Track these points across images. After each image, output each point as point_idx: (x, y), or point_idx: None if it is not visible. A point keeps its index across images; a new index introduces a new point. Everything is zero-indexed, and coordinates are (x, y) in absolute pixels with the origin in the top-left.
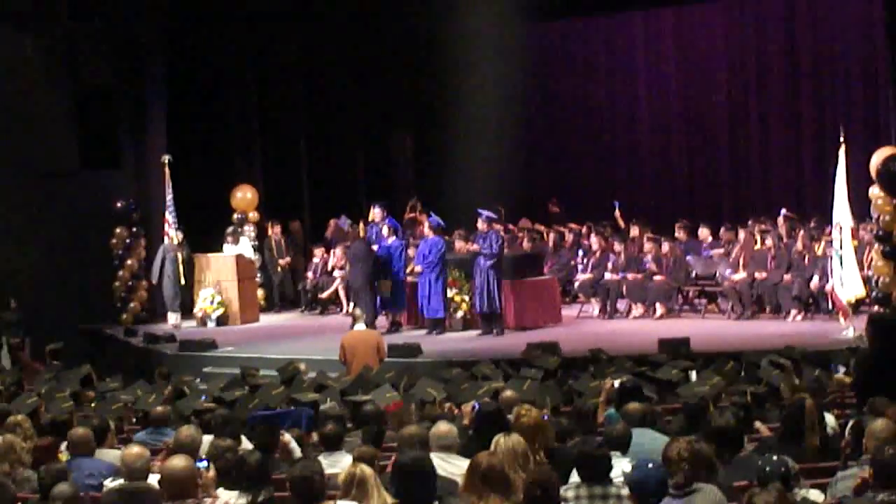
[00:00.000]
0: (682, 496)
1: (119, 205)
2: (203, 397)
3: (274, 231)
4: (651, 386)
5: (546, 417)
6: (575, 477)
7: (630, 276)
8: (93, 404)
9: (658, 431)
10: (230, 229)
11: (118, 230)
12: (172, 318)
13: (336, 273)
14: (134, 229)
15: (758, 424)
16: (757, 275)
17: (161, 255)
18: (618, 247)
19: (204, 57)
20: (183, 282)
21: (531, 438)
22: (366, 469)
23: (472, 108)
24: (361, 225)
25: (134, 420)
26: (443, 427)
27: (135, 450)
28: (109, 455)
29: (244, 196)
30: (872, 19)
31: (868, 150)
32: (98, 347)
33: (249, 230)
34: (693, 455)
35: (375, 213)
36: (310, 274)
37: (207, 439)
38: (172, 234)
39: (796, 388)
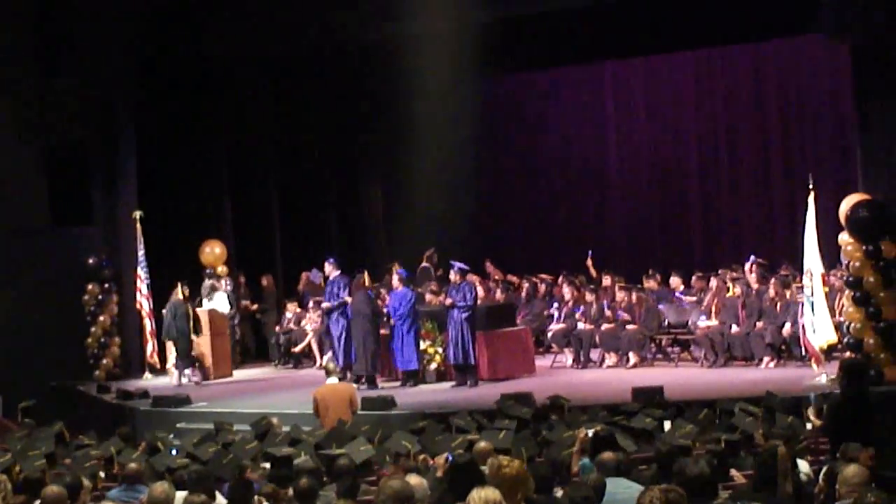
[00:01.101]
0: None
1: (91, 261)
2: (174, 452)
3: (239, 282)
4: (627, 435)
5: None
6: None
7: (603, 325)
8: (66, 460)
9: (632, 481)
10: (206, 284)
11: (90, 286)
12: (188, 373)
13: (308, 327)
14: (106, 285)
15: (733, 472)
16: (732, 328)
17: (172, 311)
18: (589, 296)
19: (174, 110)
20: (194, 336)
21: (514, 490)
22: None
23: (439, 158)
24: (366, 275)
25: (103, 475)
26: (414, 480)
27: None
28: None
29: (212, 251)
30: (839, 67)
31: (837, 197)
32: (71, 404)
33: (225, 284)
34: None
35: (328, 268)
36: (279, 327)
37: (181, 495)
38: (178, 289)
39: (769, 436)
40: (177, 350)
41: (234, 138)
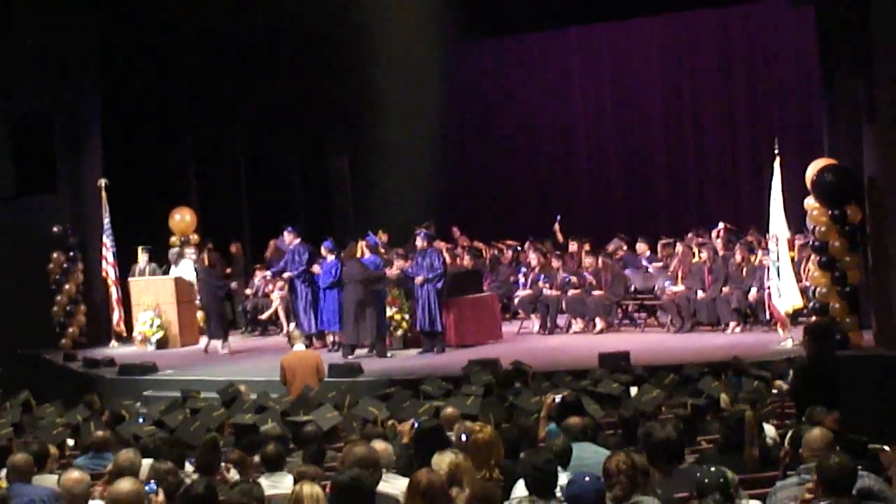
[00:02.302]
0: None
1: (56, 230)
2: (141, 419)
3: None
4: (593, 400)
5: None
6: (518, 491)
7: (570, 291)
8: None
9: (599, 445)
10: (172, 251)
11: (55, 255)
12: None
13: (275, 294)
14: (71, 254)
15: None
16: (698, 294)
17: (203, 279)
18: (556, 262)
19: (139, 79)
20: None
21: (485, 455)
22: (305, 488)
23: (405, 127)
24: (362, 245)
25: (72, 443)
26: (378, 446)
27: (74, 475)
28: (49, 481)
29: (182, 218)
30: (805, 32)
31: (803, 161)
32: (37, 373)
33: (191, 252)
34: (631, 468)
35: (288, 237)
36: (249, 291)
37: (147, 463)
38: (205, 255)
39: (736, 401)
40: (208, 319)
41: (199, 106)
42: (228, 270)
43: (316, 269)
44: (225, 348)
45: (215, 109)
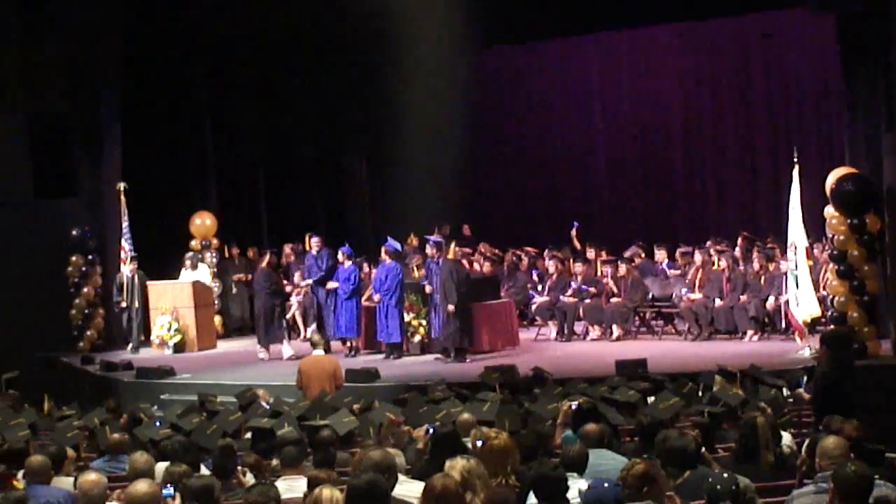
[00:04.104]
0: None
1: (75, 233)
2: (157, 423)
3: (232, 253)
4: (610, 407)
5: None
6: (532, 498)
7: (587, 298)
8: (47, 431)
9: (615, 452)
10: (189, 255)
11: (74, 258)
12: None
13: (293, 299)
14: (90, 257)
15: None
16: (716, 302)
17: (259, 282)
18: (578, 268)
19: (158, 83)
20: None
21: (502, 461)
22: (325, 492)
23: (423, 133)
24: (454, 246)
25: (84, 444)
26: (391, 451)
27: (91, 477)
28: (66, 483)
29: (203, 223)
30: (825, 41)
31: (822, 170)
32: (55, 376)
33: (210, 256)
34: (649, 475)
35: (314, 242)
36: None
37: (163, 466)
38: (266, 258)
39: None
40: (259, 324)
41: (219, 110)
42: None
43: (330, 285)
44: (262, 354)
45: (236, 113)
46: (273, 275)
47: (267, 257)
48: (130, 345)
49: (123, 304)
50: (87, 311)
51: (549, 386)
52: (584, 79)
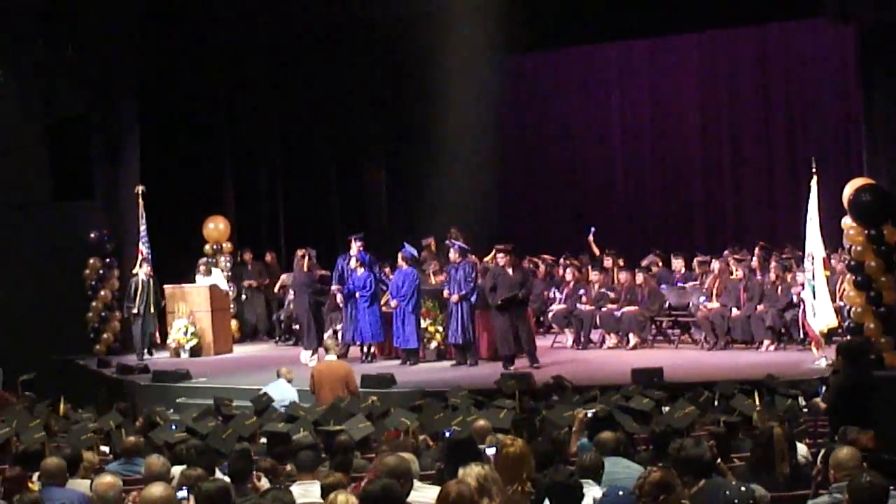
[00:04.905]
0: None
1: (92, 236)
2: (173, 427)
3: (245, 258)
4: (626, 416)
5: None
6: None
7: (604, 306)
8: (62, 434)
9: (630, 461)
10: (203, 260)
11: (91, 261)
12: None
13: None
14: (107, 260)
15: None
16: (733, 311)
17: (297, 285)
18: (594, 276)
19: (176, 86)
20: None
21: (517, 468)
22: (340, 498)
23: (443, 139)
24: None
25: (107, 450)
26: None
27: (107, 479)
28: (82, 486)
29: (216, 227)
30: (844, 52)
31: (840, 180)
32: (71, 378)
33: (224, 261)
34: (666, 483)
35: (356, 245)
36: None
37: (178, 469)
38: (305, 260)
39: (768, 418)
40: (311, 327)
41: (237, 114)
42: (264, 282)
43: (339, 297)
44: (313, 360)
45: (253, 117)
46: (314, 275)
47: (306, 259)
48: (139, 351)
49: (135, 311)
50: (103, 313)
51: (567, 394)
52: (604, 87)
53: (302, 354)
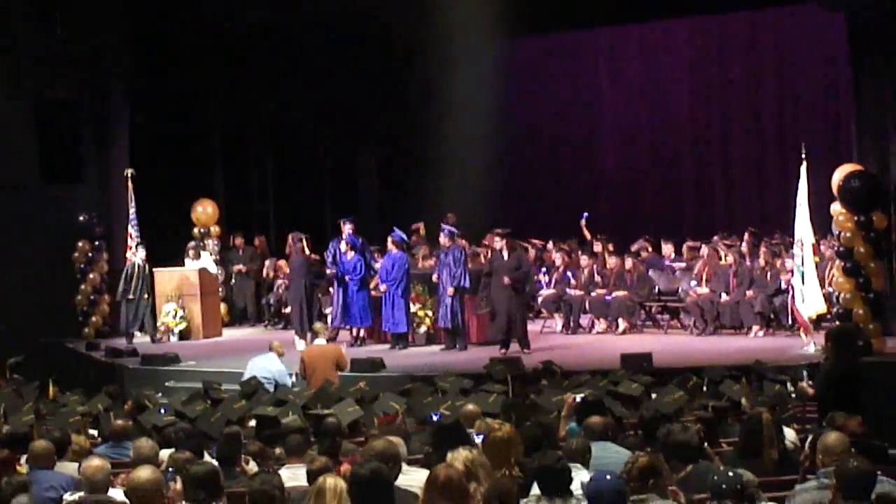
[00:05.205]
0: None
1: (82, 219)
2: (161, 410)
3: (236, 243)
4: (616, 401)
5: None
6: (536, 490)
7: (593, 291)
8: (50, 416)
9: (619, 445)
10: (192, 244)
11: (80, 244)
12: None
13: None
14: (97, 243)
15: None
16: (722, 297)
17: (297, 269)
18: (584, 261)
19: (167, 70)
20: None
21: (505, 452)
22: (329, 481)
23: (434, 124)
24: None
25: (96, 433)
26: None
27: (95, 462)
28: (69, 468)
29: (204, 210)
30: (835, 37)
31: (829, 166)
32: (59, 361)
33: (212, 245)
34: (650, 468)
35: (346, 228)
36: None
37: (166, 453)
38: (303, 244)
39: (756, 404)
40: (303, 312)
41: (228, 97)
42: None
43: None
44: (300, 344)
45: (244, 101)
46: (310, 260)
47: (303, 244)
48: (131, 333)
49: (131, 296)
50: (92, 297)
51: (556, 379)
52: (594, 72)
53: (296, 342)
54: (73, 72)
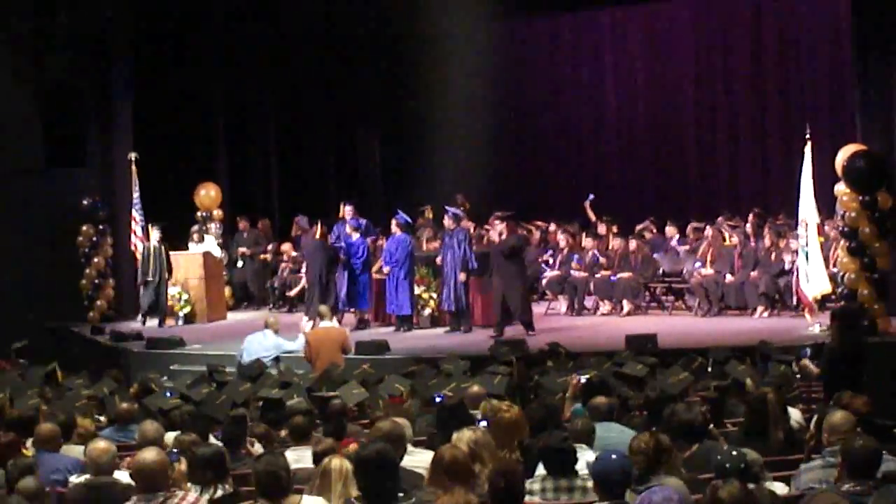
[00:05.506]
0: (644, 489)
1: (85, 203)
2: (167, 394)
3: (241, 226)
4: (621, 382)
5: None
6: (541, 470)
7: (598, 273)
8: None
9: (624, 426)
10: (195, 227)
11: (85, 228)
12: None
13: (304, 270)
14: (101, 227)
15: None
16: (727, 277)
17: (311, 252)
18: (588, 242)
19: (170, 53)
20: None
21: (511, 433)
22: (334, 462)
23: (438, 106)
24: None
25: (103, 418)
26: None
27: (100, 444)
28: (75, 451)
29: (207, 193)
30: (839, 17)
31: (834, 146)
32: (65, 345)
33: (215, 228)
34: (655, 448)
35: (347, 210)
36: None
37: (172, 435)
38: (318, 228)
39: (761, 384)
40: (316, 293)
41: (231, 81)
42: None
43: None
44: (308, 326)
45: (247, 84)
46: (326, 244)
47: (319, 227)
48: (144, 317)
49: (150, 278)
50: (97, 280)
51: (561, 360)
52: (597, 53)
53: (304, 323)
54: (75, 56)
